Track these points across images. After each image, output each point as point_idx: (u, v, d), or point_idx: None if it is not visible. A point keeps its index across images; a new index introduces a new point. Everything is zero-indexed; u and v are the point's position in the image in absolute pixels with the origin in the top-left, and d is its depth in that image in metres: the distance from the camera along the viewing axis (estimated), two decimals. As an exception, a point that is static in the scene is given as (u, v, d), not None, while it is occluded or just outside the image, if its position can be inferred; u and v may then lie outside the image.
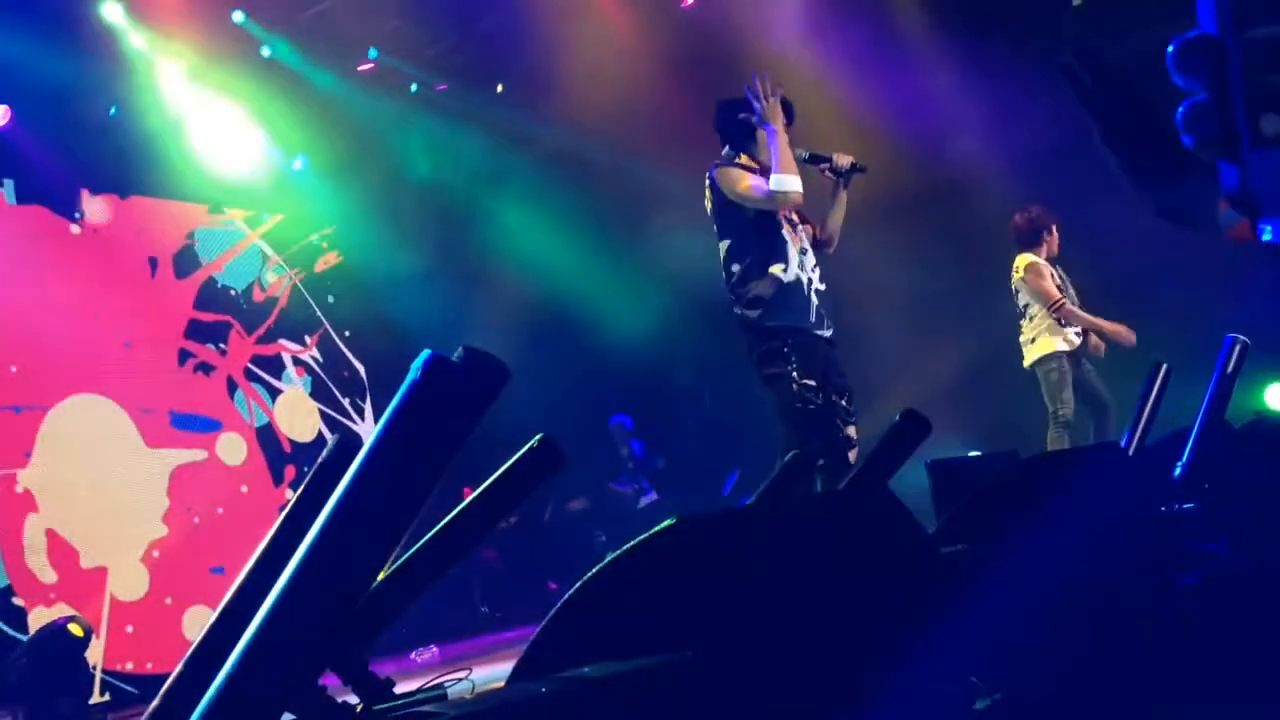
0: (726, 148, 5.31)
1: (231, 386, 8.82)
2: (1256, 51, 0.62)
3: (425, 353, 1.21)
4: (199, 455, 8.44)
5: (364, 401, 9.60)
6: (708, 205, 5.25)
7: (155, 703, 1.47)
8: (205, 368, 8.70)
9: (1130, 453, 2.98)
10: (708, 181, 5.22)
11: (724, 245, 5.09)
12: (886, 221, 8.29)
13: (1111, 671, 1.98)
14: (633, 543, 1.58)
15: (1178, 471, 2.81)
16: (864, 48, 8.77)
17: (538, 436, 1.57)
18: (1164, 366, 3.09)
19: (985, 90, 9.69)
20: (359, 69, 9.13)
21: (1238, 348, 3.01)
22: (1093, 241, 8.29)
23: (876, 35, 8.74)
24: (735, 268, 5.03)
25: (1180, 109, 0.64)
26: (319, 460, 1.61)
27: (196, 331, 8.71)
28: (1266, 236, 0.63)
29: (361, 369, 9.67)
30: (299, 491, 1.62)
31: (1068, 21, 9.53)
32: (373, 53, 9.06)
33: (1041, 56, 9.58)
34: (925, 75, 9.68)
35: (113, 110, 8.27)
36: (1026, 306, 7.03)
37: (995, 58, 9.42)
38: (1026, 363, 6.96)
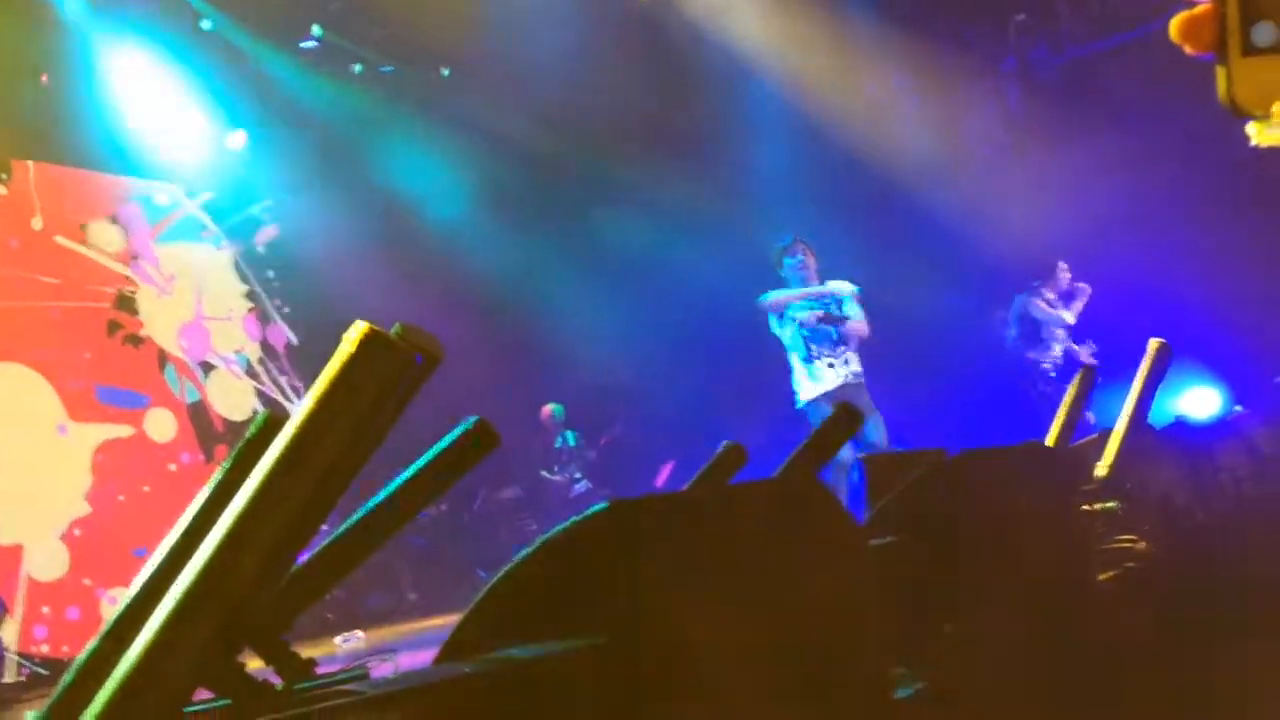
0: None
1: (162, 360, 8.64)
2: None
3: (359, 324, 1.18)
4: (126, 431, 8.26)
5: (300, 380, 9.47)
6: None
7: (67, 677, 1.43)
8: (135, 340, 8.51)
9: (1055, 452, 3.03)
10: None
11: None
12: (830, 220, 8.37)
13: (1034, 659, 2.02)
14: (564, 525, 1.57)
15: (1102, 471, 2.87)
16: (816, 46, 8.84)
17: (473, 418, 1.55)
18: (1089, 368, 3.15)
19: (932, 94, 9.82)
20: (302, 46, 9.00)
21: (1161, 351, 3.07)
22: (1030, 243, 8.46)
23: (829, 34, 8.81)
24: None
25: (1177, 17, 0.66)
26: (245, 435, 1.58)
27: (127, 302, 8.52)
28: (1252, 141, 0.66)
29: (299, 346, 9.54)
30: (224, 466, 1.59)
31: (1012, 33, 9.69)
32: (317, 31, 8.92)
33: (988, 61, 9.77)
34: (875, 76, 9.79)
35: (45, 78, 8.06)
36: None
37: (943, 63, 9.56)
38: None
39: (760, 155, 9.78)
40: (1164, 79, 8.41)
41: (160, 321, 8.70)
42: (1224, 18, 0.65)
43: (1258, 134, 0.66)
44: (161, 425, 8.50)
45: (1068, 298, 8.03)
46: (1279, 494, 4.15)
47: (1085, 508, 2.70)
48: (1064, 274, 8.03)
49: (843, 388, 6.80)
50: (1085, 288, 8.07)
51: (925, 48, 9.42)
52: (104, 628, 1.50)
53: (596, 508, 1.57)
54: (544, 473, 10.09)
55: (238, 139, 9.18)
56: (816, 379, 6.86)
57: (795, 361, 6.97)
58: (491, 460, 1.59)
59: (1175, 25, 0.66)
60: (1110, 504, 2.71)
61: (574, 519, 1.58)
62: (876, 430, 6.70)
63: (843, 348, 6.88)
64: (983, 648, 1.96)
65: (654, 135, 9.93)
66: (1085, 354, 7.82)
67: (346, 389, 1.19)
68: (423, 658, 1.70)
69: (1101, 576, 2.52)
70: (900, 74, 9.93)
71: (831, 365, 6.86)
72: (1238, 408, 7.21)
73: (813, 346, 6.89)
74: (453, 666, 1.42)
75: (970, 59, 9.76)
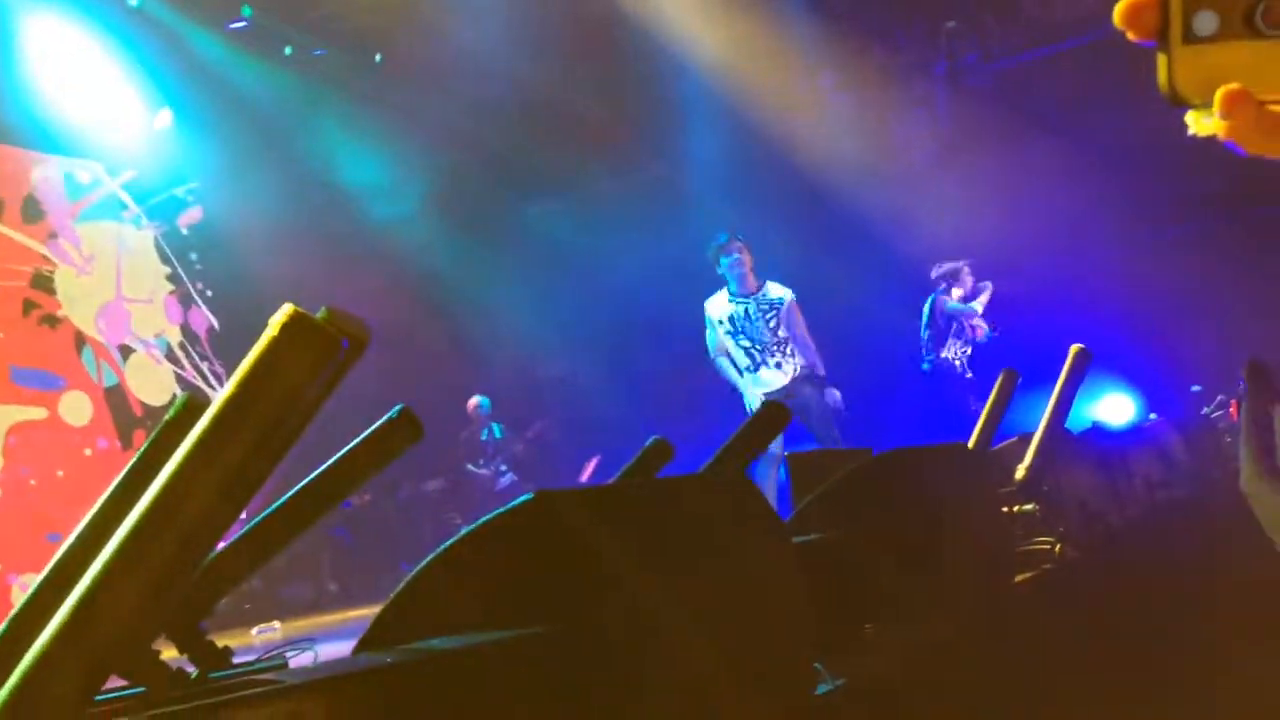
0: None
1: (80, 342, 8.41)
2: None
3: (285, 307, 1.16)
4: (39, 413, 8.03)
5: (222, 366, 9.29)
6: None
7: (-28, 665, 1.39)
8: (51, 321, 8.28)
9: (976, 454, 3.08)
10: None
11: None
12: (761, 219, 8.43)
13: (952, 658, 2.05)
14: (489, 516, 1.56)
15: (1020, 474, 2.92)
16: (751, 44, 8.89)
17: (398, 407, 1.54)
18: (1011, 372, 3.20)
19: (863, 95, 9.94)
20: (231, 26, 8.82)
21: (1080, 356, 3.14)
22: (955, 248, 8.62)
23: (764, 32, 8.87)
24: None
25: (1121, 3, 0.66)
26: (164, 418, 1.55)
27: (44, 282, 8.28)
28: (1191, 131, 0.67)
29: (221, 330, 9.36)
30: (141, 450, 1.56)
31: (944, 39, 9.84)
32: (246, 10, 8.76)
33: (919, 66, 9.91)
34: (807, 74, 9.88)
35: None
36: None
37: (875, 65, 9.67)
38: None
39: (693, 152, 9.81)
40: (1090, 91, 8.62)
41: (79, 302, 8.47)
42: (1166, 5, 0.66)
43: (1195, 123, 0.66)
44: (77, 408, 8.29)
45: (974, 296, 8.56)
46: (1190, 499, 4.28)
47: (1004, 510, 2.76)
48: (968, 277, 8.53)
49: (794, 381, 6.89)
50: (987, 284, 8.68)
51: (858, 49, 9.54)
52: (12, 613, 1.46)
53: (521, 499, 1.57)
54: (469, 465, 10.03)
55: (163, 118, 8.98)
56: (758, 384, 6.94)
57: (733, 372, 7.03)
58: (416, 451, 1.58)
59: (1119, 11, 0.67)
60: (1028, 506, 2.77)
61: (498, 511, 1.57)
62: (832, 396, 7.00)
63: (779, 354, 6.95)
64: (902, 646, 1.99)
65: (586, 130, 9.91)
66: (981, 306, 8.46)
67: (270, 372, 1.17)
68: (342, 649, 1.68)
69: (1019, 578, 2.57)
70: (832, 73, 10.04)
71: (780, 366, 6.94)
72: (1152, 415, 7.41)
73: (754, 355, 6.96)
74: (371, 657, 1.41)
75: (902, 63, 9.90)
